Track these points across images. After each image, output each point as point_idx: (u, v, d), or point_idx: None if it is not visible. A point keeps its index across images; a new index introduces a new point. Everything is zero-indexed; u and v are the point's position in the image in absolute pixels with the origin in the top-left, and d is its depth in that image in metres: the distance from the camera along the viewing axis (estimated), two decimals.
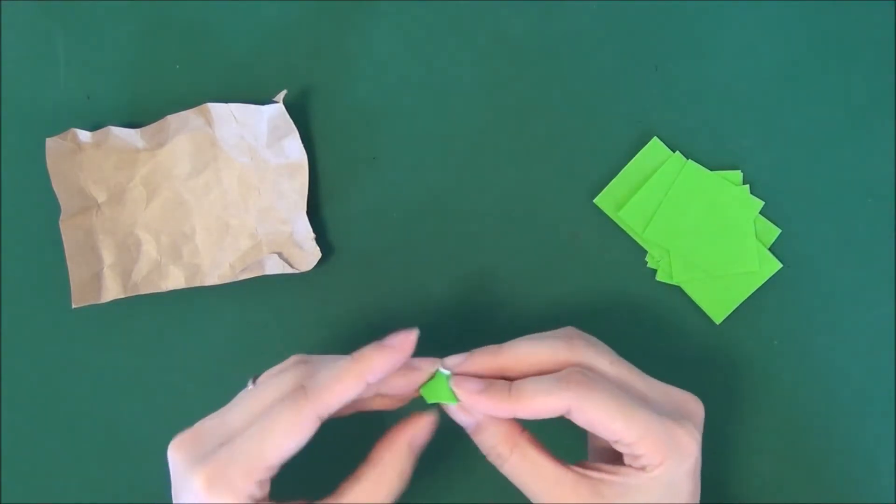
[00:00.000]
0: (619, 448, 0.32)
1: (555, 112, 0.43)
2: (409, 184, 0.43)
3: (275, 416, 0.30)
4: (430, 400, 0.33)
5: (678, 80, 0.43)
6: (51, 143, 0.41)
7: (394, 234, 0.43)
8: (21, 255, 0.43)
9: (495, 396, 0.32)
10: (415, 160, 0.43)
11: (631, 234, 0.42)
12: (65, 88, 0.43)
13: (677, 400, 0.33)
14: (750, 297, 0.42)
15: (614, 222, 0.43)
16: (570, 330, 0.34)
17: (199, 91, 0.43)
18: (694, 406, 0.34)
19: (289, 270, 0.41)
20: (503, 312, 0.42)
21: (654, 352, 0.42)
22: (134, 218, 0.42)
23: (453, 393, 0.32)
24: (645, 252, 0.42)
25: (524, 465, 0.32)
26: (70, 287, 0.41)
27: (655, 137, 0.42)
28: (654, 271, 0.42)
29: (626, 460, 0.32)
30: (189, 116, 0.42)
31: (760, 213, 0.42)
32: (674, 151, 0.42)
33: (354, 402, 0.32)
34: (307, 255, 0.41)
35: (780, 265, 0.42)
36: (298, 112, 0.43)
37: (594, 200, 0.43)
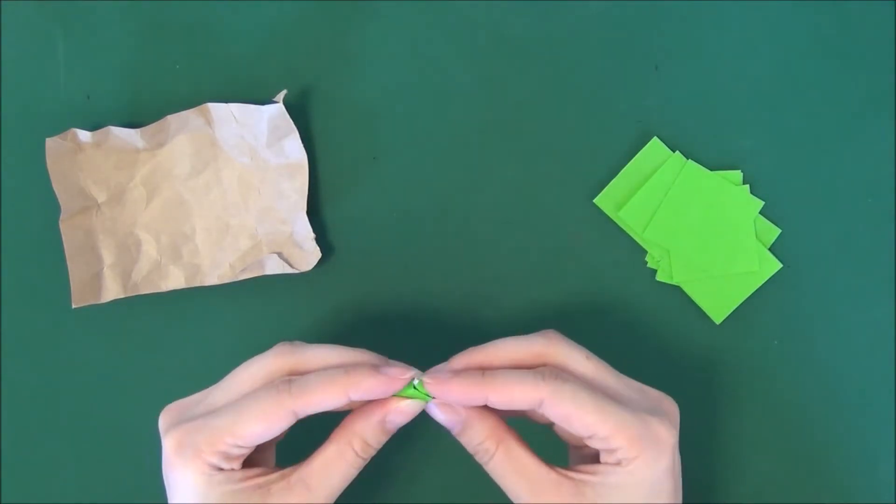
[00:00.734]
0: (594, 444, 0.32)
1: (555, 112, 0.43)
2: (409, 184, 0.43)
3: (254, 399, 0.31)
4: (402, 394, 0.32)
5: (678, 80, 0.43)
6: (51, 143, 0.41)
7: (394, 234, 0.43)
8: (21, 255, 0.43)
9: (467, 381, 0.32)
10: (415, 160, 0.43)
11: (631, 234, 0.42)
12: (65, 88, 0.43)
13: (653, 398, 0.34)
14: (750, 297, 0.42)
15: (614, 222, 0.43)
16: (548, 331, 0.34)
17: (199, 91, 0.43)
18: (669, 405, 0.34)
19: (289, 270, 0.41)
20: (503, 312, 0.42)
21: (654, 352, 0.42)
22: (134, 218, 0.42)
23: (426, 392, 0.32)
24: (645, 252, 0.42)
25: (508, 462, 0.32)
26: (70, 287, 0.41)
27: (655, 137, 0.42)
28: (654, 271, 0.42)
29: (603, 457, 0.32)
30: (189, 116, 0.42)
31: (760, 213, 0.42)
32: (674, 151, 0.42)
33: None
34: (307, 255, 0.41)
35: (780, 265, 0.42)
36: (298, 112, 0.43)
37: (594, 200, 0.43)
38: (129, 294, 0.42)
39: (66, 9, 0.43)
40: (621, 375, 0.34)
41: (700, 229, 0.42)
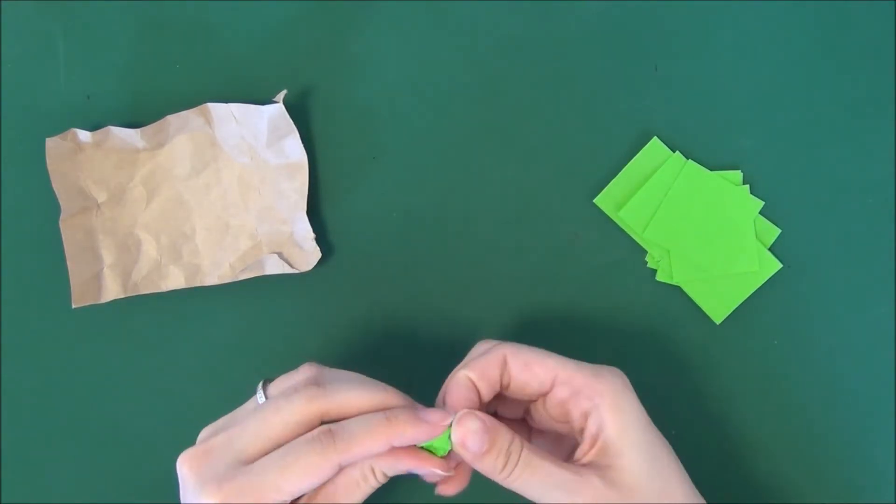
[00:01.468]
0: (557, 393, 0.34)
1: (555, 112, 0.43)
2: (409, 184, 0.43)
3: (297, 454, 0.31)
4: (439, 445, 0.33)
5: (678, 80, 0.43)
6: (51, 143, 0.41)
7: (394, 234, 0.43)
8: (21, 255, 0.43)
9: (454, 382, 0.34)
10: (415, 160, 0.43)
11: (631, 234, 0.42)
12: (65, 88, 0.43)
13: (597, 365, 0.35)
14: (750, 297, 0.42)
15: (614, 222, 0.43)
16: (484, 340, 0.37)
17: (199, 91, 0.43)
18: (613, 368, 0.35)
19: (289, 270, 0.41)
20: (503, 312, 0.42)
21: (654, 352, 0.42)
22: (134, 218, 0.42)
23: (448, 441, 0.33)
24: (645, 252, 0.42)
25: (531, 473, 0.32)
26: (70, 287, 0.41)
27: (655, 137, 0.42)
28: (654, 271, 0.42)
29: (576, 410, 0.34)
30: (189, 116, 0.42)
31: (760, 213, 0.42)
32: (674, 151, 0.42)
33: None
34: (307, 255, 0.41)
35: (780, 265, 0.42)
36: (298, 112, 0.43)
37: (594, 200, 0.43)
38: (129, 294, 0.42)
39: (66, 9, 0.43)
40: None
41: (700, 229, 0.42)
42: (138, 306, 0.42)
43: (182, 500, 0.32)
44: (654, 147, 0.42)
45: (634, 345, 0.42)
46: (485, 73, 0.43)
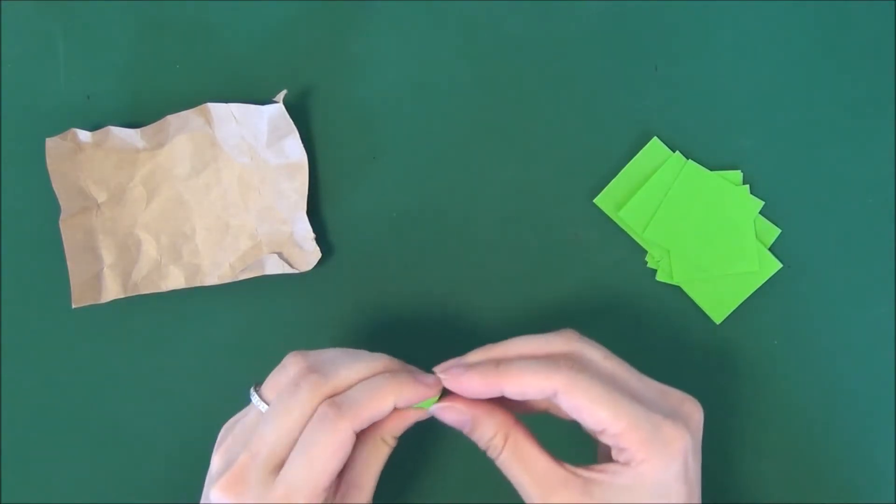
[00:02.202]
0: (604, 440, 0.32)
1: (555, 112, 0.43)
2: (408, 184, 0.43)
3: (316, 442, 0.31)
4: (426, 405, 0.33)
5: (678, 80, 0.43)
6: (51, 143, 0.41)
7: (394, 234, 0.43)
8: (21, 255, 0.43)
9: (481, 372, 0.32)
10: (414, 160, 0.43)
11: (631, 234, 0.42)
12: (65, 88, 0.43)
13: (673, 401, 0.33)
14: (750, 297, 0.42)
15: (614, 222, 0.43)
16: (567, 330, 0.34)
17: (199, 91, 0.43)
18: (690, 407, 0.33)
19: (289, 270, 0.41)
20: (503, 312, 0.42)
21: (654, 352, 0.42)
22: (134, 218, 0.42)
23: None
24: (645, 252, 0.42)
25: (516, 458, 0.32)
26: (70, 287, 0.41)
27: (655, 137, 0.42)
28: (654, 271, 0.42)
29: (613, 454, 0.32)
30: (189, 116, 0.42)
31: (760, 213, 0.42)
32: (674, 151, 0.42)
33: None
34: (307, 255, 0.41)
35: (780, 265, 0.42)
36: (298, 112, 0.43)
37: (594, 200, 0.43)
38: (129, 294, 0.42)
39: (66, 9, 0.43)
40: (643, 376, 0.33)
41: (700, 229, 0.42)
42: (138, 306, 0.42)
43: None
44: (654, 147, 0.42)
45: (634, 345, 0.42)
46: (485, 73, 0.43)
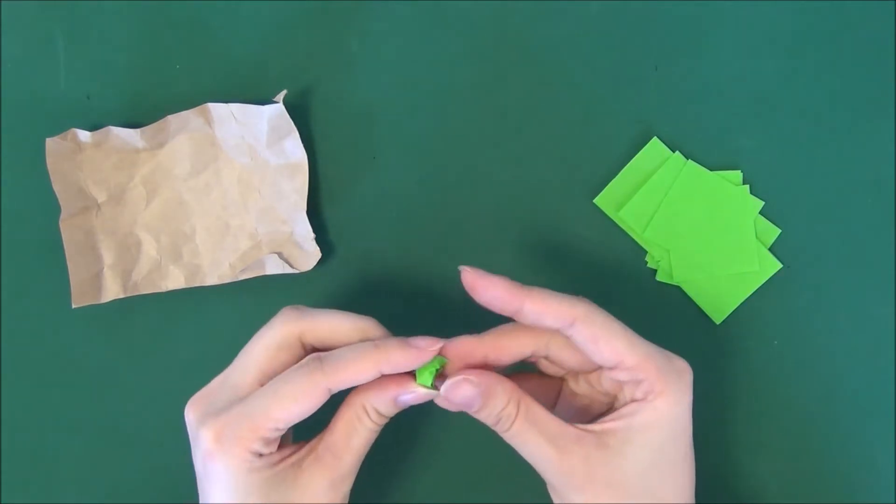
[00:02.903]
0: (617, 375, 0.32)
1: (555, 112, 0.43)
2: (408, 184, 0.43)
3: (287, 381, 0.31)
4: (421, 381, 0.33)
5: (678, 80, 0.43)
6: (51, 143, 0.41)
7: (394, 234, 0.43)
8: (21, 255, 0.43)
9: (507, 284, 0.32)
10: (414, 160, 0.43)
11: (631, 234, 0.42)
12: (65, 88, 0.43)
13: (668, 353, 0.34)
14: (750, 297, 0.42)
15: (614, 222, 0.43)
16: (582, 297, 0.34)
17: (199, 91, 0.43)
18: (681, 359, 0.34)
19: (289, 270, 0.41)
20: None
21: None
22: (134, 218, 0.42)
23: (442, 359, 0.32)
24: (645, 252, 0.42)
25: (530, 423, 0.32)
26: (70, 287, 0.41)
27: (655, 137, 0.42)
28: (654, 271, 0.42)
29: (627, 391, 0.33)
30: (189, 116, 0.42)
31: (760, 213, 0.42)
32: (674, 151, 0.42)
33: None
34: (307, 255, 0.41)
35: (780, 265, 0.42)
36: (298, 112, 0.43)
37: (594, 200, 0.43)
38: (129, 294, 0.42)
39: (66, 9, 0.43)
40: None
41: (700, 229, 0.42)
42: (138, 306, 0.42)
43: (192, 445, 0.33)
44: (654, 147, 0.42)
45: None
46: (485, 73, 0.43)
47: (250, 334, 0.42)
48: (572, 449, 0.32)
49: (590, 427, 0.32)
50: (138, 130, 0.42)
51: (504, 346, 0.34)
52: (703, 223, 0.42)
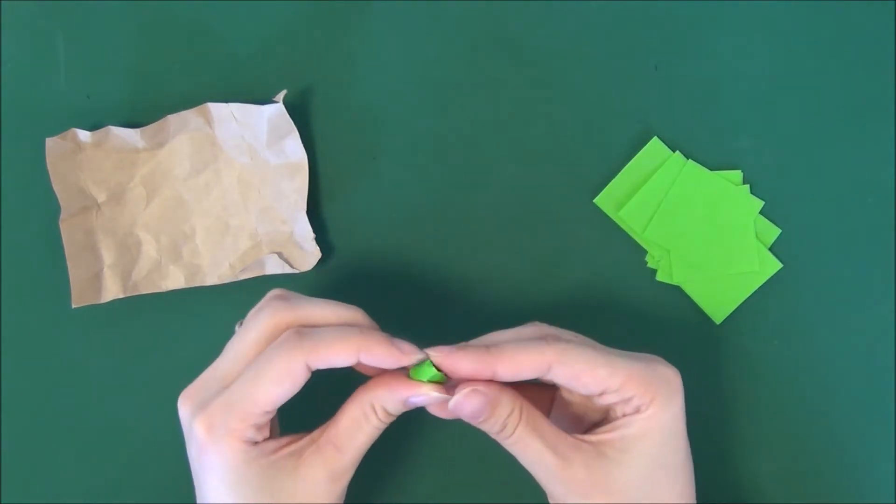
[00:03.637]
0: (606, 400, 0.33)
1: (555, 112, 0.43)
2: (409, 184, 0.43)
3: (267, 362, 0.31)
4: (420, 376, 0.32)
5: (678, 80, 0.43)
6: (51, 143, 0.41)
7: (394, 233, 0.43)
8: (21, 255, 0.43)
9: (474, 353, 0.32)
10: (414, 160, 0.43)
11: (631, 234, 0.42)
12: (65, 88, 0.43)
13: (646, 357, 0.34)
14: (750, 297, 0.42)
15: (614, 222, 0.43)
16: (533, 322, 0.35)
17: (199, 91, 0.43)
18: (662, 362, 0.34)
19: (289, 270, 0.41)
20: (503, 312, 0.42)
21: (654, 352, 0.42)
22: (134, 218, 0.42)
23: (440, 373, 0.32)
24: (645, 252, 0.42)
25: (531, 429, 0.32)
26: (70, 287, 0.41)
27: (655, 137, 0.42)
28: (654, 271, 0.42)
29: (619, 410, 0.33)
30: (189, 116, 0.42)
31: (760, 213, 0.42)
32: (674, 151, 0.42)
33: None
34: (307, 255, 0.41)
35: (780, 265, 0.42)
36: (298, 112, 0.43)
37: (594, 200, 0.43)
38: (129, 294, 0.42)
39: (66, 9, 0.43)
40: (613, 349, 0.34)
41: (700, 229, 0.42)
42: (138, 306, 0.42)
43: (186, 440, 0.33)
44: (654, 147, 0.42)
45: (634, 345, 0.42)
46: (485, 73, 0.43)
47: None
48: (573, 457, 0.32)
49: (587, 438, 0.33)
50: (138, 130, 0.42)
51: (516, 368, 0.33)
52: (703, 223, 0.42)
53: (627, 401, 0.32)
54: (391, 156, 0.43)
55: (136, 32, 0.43)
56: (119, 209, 0.42)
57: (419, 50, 0.43)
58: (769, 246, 0.42)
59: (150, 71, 0.43)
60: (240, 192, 0.42)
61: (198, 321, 0.43)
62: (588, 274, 0.42)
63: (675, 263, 0.42)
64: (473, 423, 0.33)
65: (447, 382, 0.33)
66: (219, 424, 0.31)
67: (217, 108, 0.41)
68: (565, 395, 0.36)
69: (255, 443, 0.32)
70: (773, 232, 0.42)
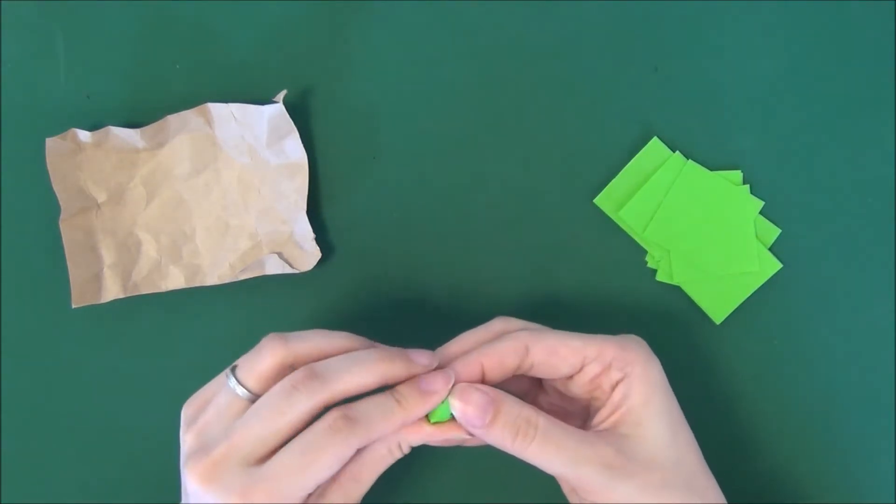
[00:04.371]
0: (588, 372, 0.34)
1: (555, 112, 0.43)
2: (409, 184, 0.43)
3: (320, 448, 0.31)
4: (434, 419, 0.33)
5: (678, 80, 0.43)
6: (51, 143, 0.41)
7: (394, 234, 0.43)
8: (21, 255, 0.43)
9: (462, 360, 0.34)
10: (415, 160, 0.43)
11: (631, 234, 0.42)
12: (65, 88, 0.43)
13: (620, 336, 0.35)
14: (750, 297, 0.42)
15: (614, 222, 0.43)
16: (498, 317, 0.37)
17: (199, 91, 0.43)
18: (630, 335, 0.35)
19: (289, 270, 0.41)
20: (503, 312, 0.42)
21: (653, 352, 0.42)
22: (134, 218, 0.42)
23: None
24: (645, 252, 0.42)
25: (552, 423, 0.32)
26: (70, 287, 0.41)
27: (655, 137, 0.42)
28: (654, 271, 0.42)
29: (606, 383, 0.34)
30: (189, 116, 0.42)
31: (760, 213, 0.42)
32: (674, 151, 0.42)
33: None
34: (307, 255, 0.41)
35: (780, 265, 0.42)
36: (298, 112, 0.43)
37: (594, 200, 0.43)
38: (129, 294, 0.42)
39: (66, 9, 0.43)
40: None
41: (700, 229, 0.42)
42: (138, 306, 0.42)
43: (181, 454, 0.33)
44: (654, 147, 0.42)
45: None
46: (485, 73, 0.43)
47: (251, 334, 0.42)
48: (598, 442, 0.32)
49: (598, 428, 0.33)
50: (138, 130, 0.42)
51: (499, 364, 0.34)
52: (703, 223, 0.42)
53: (609, 367, 0.33)
54: (391, 156, 0.43)
55: (136, 32, 0.43)
56: (119, 209, 0.42)
57: (419, 50, 0.43)
58: (769, 246, 0.42)
59: (150, 71, 0.43)
60: (240, 192, 0.42)
61: (198, 321, 0.43)
62: (588, 274, 0.42)
63: (675, 263, 0.42)
64: (484, 434, 0.33)
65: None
66: (226, 480, 0.30)
67: (217, 108, 0.41)
68: (554, 400, 0.37)
69: None
70: (773, 232, 0.42)
